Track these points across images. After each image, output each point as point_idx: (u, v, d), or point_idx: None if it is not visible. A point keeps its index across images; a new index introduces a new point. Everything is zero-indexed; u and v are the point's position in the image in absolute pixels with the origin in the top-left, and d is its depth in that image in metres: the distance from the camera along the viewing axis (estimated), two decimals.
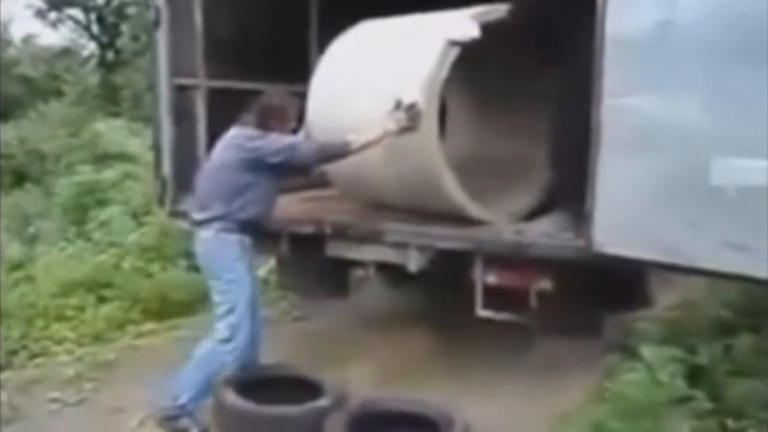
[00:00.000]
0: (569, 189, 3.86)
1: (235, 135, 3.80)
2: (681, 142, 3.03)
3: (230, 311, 3.70)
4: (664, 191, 3.09)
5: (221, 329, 3.71)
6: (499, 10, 3.98)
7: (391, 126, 3.72)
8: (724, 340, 3.52)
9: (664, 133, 3.07)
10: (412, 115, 3.73)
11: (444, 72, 3.85)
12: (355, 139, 3.71)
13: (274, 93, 4.02)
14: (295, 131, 3.99)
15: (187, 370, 3.74)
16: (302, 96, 4.30)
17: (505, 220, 4.14)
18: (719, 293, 3.94)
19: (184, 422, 3.71)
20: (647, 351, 3.16)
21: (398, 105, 3.74)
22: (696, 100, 2.98)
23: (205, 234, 3.73)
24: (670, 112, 3.04)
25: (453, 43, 3.84)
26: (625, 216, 3.24)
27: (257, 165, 3.67)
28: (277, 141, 3.70)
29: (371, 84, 4.13)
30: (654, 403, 3.04)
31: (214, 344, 3.73)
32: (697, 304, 4.02)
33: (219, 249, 3.71)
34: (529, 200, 4.49)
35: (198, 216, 3.78)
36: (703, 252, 2.99)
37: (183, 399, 3.70)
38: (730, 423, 3.12)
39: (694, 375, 3.30)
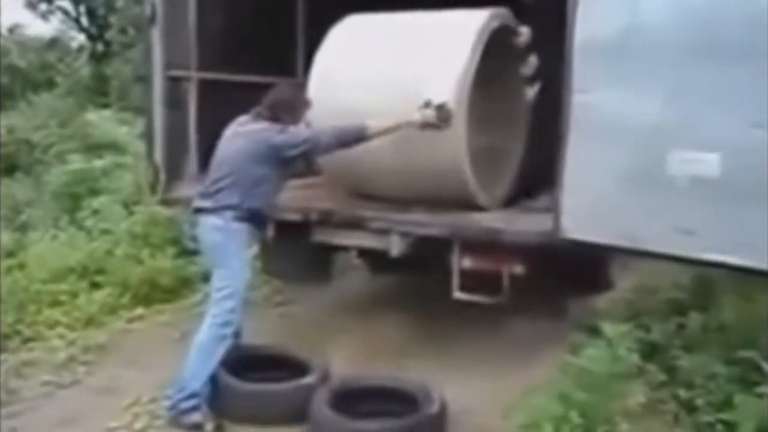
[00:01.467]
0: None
1: (254, 128, 3.77)
2: (640, 135, 3.22)
3: (230, 296, 3.71)
4: (624, 181, 3.27)
5: (220, 314, 3.70)
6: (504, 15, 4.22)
7: (417, 119, 3.81)
8: (677, 319, 3.68)
9: (625, 127, 3.25)
10: (442, 114, 3.84)
11: (474, 67, 3.98)
12: (374, 125, 3.78)
13: (285, 87, 4.07)
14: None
15: (192, 359, 3.67)
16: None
17: (495, 206, 4.31)
18: (672, 276, 4.08)
19: (196, 417, 3.60)
20: (607, 329, 3.29)
21: (428, 104, 3.83)
22: (655, 97, 3.18)
23: (214, 221, 3.72)
24: (632, 108, 3.23)
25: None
26: (589, 204, 3.40)
27: (275, 158, 3.71)
28: (296, 134, 3.75)
29: (383, 78, 4.17)
30: (613, 376, 3.18)
31: (215, 329, 3.68)
32: (652, 286, 4.15)
33: (228, 237, 3.72)
34: (508, 188, 4.61)
35: (206, 203, 3.77)
36: (657, 237, 3.18)
37: (195, 386, 3.62)
38: (681, 393, 3.29)
39: (650, 350, 3.48)
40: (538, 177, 4.31)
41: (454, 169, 4.04)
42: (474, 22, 4.13)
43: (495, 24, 4.17)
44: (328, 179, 4.70)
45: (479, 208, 4.21)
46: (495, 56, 4.16)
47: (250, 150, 3.72)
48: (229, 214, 3.70)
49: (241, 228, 3.73)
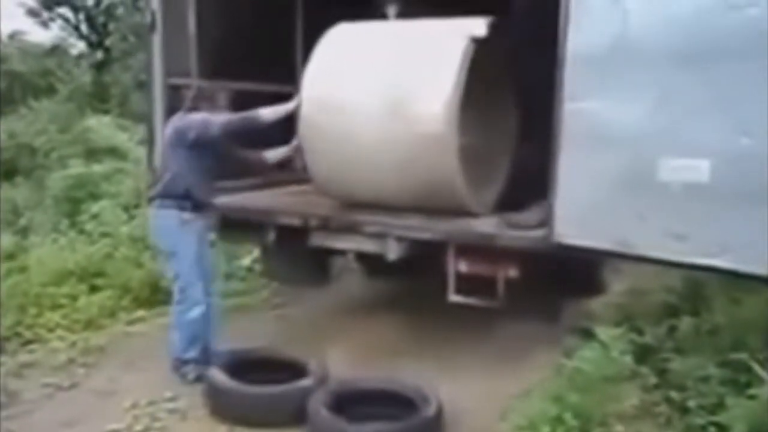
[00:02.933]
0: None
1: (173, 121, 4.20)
2: (632, 142, 3.24)
3: (177, 276, 4.19)
4: (616, 187, 3.29)
5: (176, 293, 4.23)
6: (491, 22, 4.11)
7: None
8: (669, 322, 3.69)
9: (617, 134, 3.27)
10: None
11: (464, 77, 3.95)
12: (267, 111, 4.07)
13: (208, 85, 4.44)
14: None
15: (173, 334, 4.26)
16: (287, 97, 4.40)
17: (486, 212, 4.28)
18: (664, 280, 4.10)
19: (186, 369, 4.19)
20: (601, 332, 3.32)
21: None
22: (645, 104, 3.20)
23: (151, 212, 4.24)
24: (623, 115, 3.24)
25: (474, 40, 3.99)
26: (581, 209, 3.42)
27: (179, 142, 4.04)
28: (192, 118, 4.07)
29: (374, 84, 4.17)
30: (606, 378, 3.21)
31: (176, 307, 4.25)
32: (644, 290, 4.16)
33: (160, 224, 4.18)
34: (496, 193, 4.60)
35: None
36: (649, 242, 3.20)
37: (178, 353, 4.21)
38: (674, 395, 3.30)
39: (642, 353, 3.49)
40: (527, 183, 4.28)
41: (447, 179, 4.02)
42: (461, 32, 4.08)
43: (482, 33, 4.07)
44: (318, 188, 4.62)
45: (471, 214, 4.20)
46: (482, 62, 4.17)
47: (164, 141, 4.22)
48: (157, 202, 4.15)
49: (170, 214, 4.09)
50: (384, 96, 4.08)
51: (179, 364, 4.23)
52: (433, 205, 4.16)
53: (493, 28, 4.05)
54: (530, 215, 4.01)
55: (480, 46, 4.05)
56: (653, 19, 3.17)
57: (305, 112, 4.27)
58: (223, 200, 4.85)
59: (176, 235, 4.10)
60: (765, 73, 2.88)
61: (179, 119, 4.14)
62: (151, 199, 4.22)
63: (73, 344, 4.77)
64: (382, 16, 4.84)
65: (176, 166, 4.06)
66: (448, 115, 3.93)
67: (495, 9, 4.15)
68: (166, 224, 4.12)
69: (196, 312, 4.16)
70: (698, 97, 3.06)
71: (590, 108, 3.33)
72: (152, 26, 4.75)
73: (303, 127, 4.30)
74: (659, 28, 3.15)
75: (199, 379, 4.08)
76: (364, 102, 4.14)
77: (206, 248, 4.29)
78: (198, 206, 4.14)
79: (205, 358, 4.19)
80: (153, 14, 4.73)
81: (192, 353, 4.20)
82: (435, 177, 4.04)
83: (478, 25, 4.05)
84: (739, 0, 2.92)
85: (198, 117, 4.07)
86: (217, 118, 4.04)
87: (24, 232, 6.87)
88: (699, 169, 3.06)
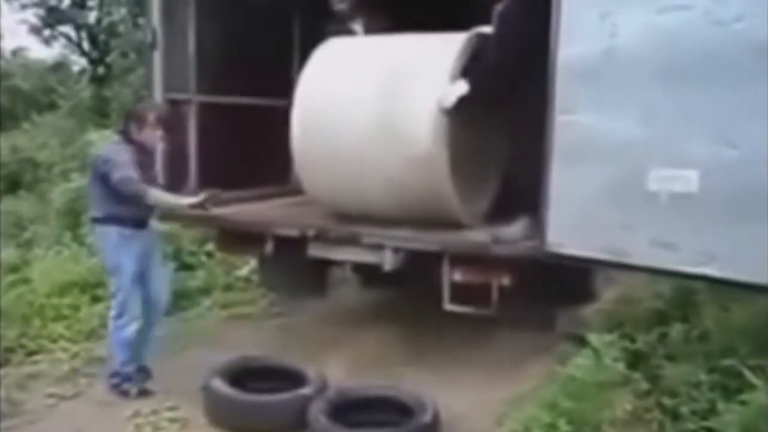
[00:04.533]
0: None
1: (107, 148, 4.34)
2: (621, 153, 3.23)
3: (116, 291, 4.20)
4: (606, 197, 3.29)
5: (114, 307, 4.23)
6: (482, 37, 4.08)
7: (191, 201, 4.25)
8: (660, 329, 3.69)
9: (606, 145, 3.27)
10: (210, 202, 4.23)
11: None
12: (155, 195, 4.09)
13: (141, 105, 4.48)
14: (163, 137, 4.35)
15: (110, 346, 4.32)
16: (283, 112, 4.41)
17: (477, 223, 4.25)
18: (655, 287, 4.09)
19: (125, 386, 4.16)
20: (593, 339, 3.34)
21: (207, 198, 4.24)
22: (634, 116, 3.19)
23: (95, 229, 4.38)
24: (612, 127, 3.25)
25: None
26: (573, 219, 3.42)
27: (97, 170, 4.13)
28: (113, 158, 4.06)
29: (365, 101, 4.13)
30: (599, 384, 3.22)
31: (112, 321, 4.23)
32: (635, 297, 4.15)
33: (102, 240, 4.28)
34: (486, 204, 4.56)
35: None
36: (639, 251, 3.20)
37: (115, 367, 4.22)
38: (665, 401, 3.28)
39: (634, 359, 3.48)
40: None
41: (438, 195, 4.01)
42: (451, 48, 4.05)
43: (472, 47, 4.07)
44: (313, 199, 4.61)
45: (463, 226, 4.16)
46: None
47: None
48: (95, 223, 4.28)
49: (108, 231, 4.16)
50: (375, 113, 4.06)
51: (119, 380, 4.19)
52: (424, 218, 4.15)
53: (484, 40, 4.04)
54: (515, 229, 4.01)
55: (471, 59, 4.03)
56: (641, 34, 3.17)
57: (297, 130, 4.26)
58: (220, 211, 4.86)
59: (116, 252, 4.13)
60: (750, 88, 2.88)
61: (112, 150, 4.20)
62: (92, 219, 4.31)
63: (76, 355, 4.75)
64: (349, 32, 4.87)
65: (104, 190, 4.10)
66: (437, 133, 3.91)
67: (468, 24, 4.13)
68: (108, 241, 4.17)
69: (133, 327, 4.17)
70: (686, 109, 3.07)
71: (581, 120, 3.33)
72: (153, 44, 4.76)
73: (295, 143, 4.30)
74: (647, 42, 3.16)
75: (142, 393, 4.12)
76: (355, 118, 4.12)
77: (152, 265, 4.30)
78: (138, 224, 4.17)
79: (145, 374, 4.25)
80: (154, 32, 4.75)
81: (130, 368, 4.20)
82: (426, 193, 4.03)
83: (468, 39, 4.03)
84: (724, 15, 2.93)
85: (119, 159, 4.04)
86: (122, 172, 3.99)
87: (27, 244, 6.87)
88: (687, 180, 3.06)
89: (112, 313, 4.22)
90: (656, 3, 3.10)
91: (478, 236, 4.04)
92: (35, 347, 4.85)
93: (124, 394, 4.14)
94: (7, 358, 4.63)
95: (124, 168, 4.00)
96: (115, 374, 4.22)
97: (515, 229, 4.03)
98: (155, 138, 4.25)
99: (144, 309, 4.24)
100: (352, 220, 4.41)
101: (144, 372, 4.28)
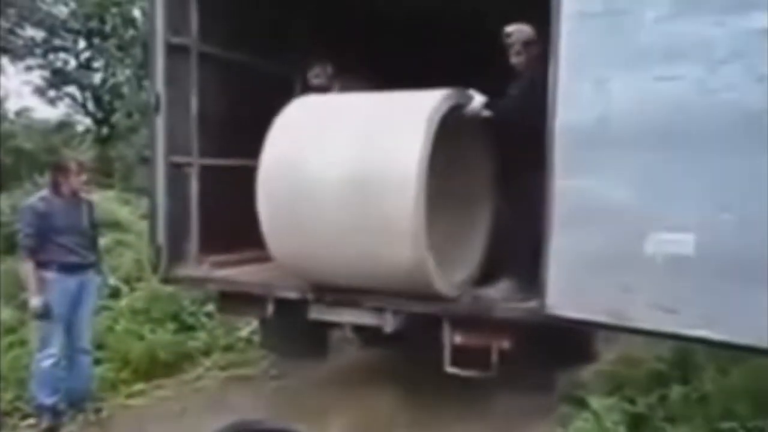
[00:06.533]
0: (517, 257, 4.09)
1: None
2: (618, 216, 3.31)
3: (39, 327, 4.58)
4: (605, 259, 3.34)
5: (36, 341, 4.61)
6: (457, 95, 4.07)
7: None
8: (660, 390, 3.69)
9: (604, 209, 3.34)
10: None
11: (428, 156, 3.74)
12: (24, 268, 4.55)
13: (65, 156, 4.82)
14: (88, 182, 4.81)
15: (32, 382, 4.61)
16: None
17: (458, 293, 4.15)
18: (655, 348, 4.11)
19: (42, 418, 4.50)
20: (594, 401, 3.35)
21: None
22: (630, 181, 3.28)
23: None
24: (609, 191, 3.32)
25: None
26: (572, 282, 3.46)
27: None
28: (21, 214, 4.64)
29: (336, 168, 3.93)
30: None
31: (34, 354, 4.59)
32: (635, 358, 4.16)
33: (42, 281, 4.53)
34: (468, 274, 4.47)
35: None
36: (638, 313, 3.23)
37: (35, 401, 4.55)
38: None
39: (635, 422, 3.47)
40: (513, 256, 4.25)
41: (416, 265, 3.81)
42: (425, 107, 3.84)
43: (447, 106, 3.93)
44: (281, 267, 4.44)
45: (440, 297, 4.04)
46: (453, 136, 4.07)
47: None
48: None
49: (43, 276, 4.49)
50: (346, 176, 3.87)
51: (39, 410, 4.50)
52: (399, 290, 4.02)
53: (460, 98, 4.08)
54: (495, 292, 4.06)
55: (449, 116, 3.93)
56: (634, 102, 3.28)
57: (261, 194, 4.12)
58: (222, 273, 4.92)
59: (47, 292, 4.44)
60: (742, 154, 2.98)
61: (25, 206, 4.62)
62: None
63: (73, 418, 4.66)
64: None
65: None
66: (415, 207, 3.69)
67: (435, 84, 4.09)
68: (44, 282, 4.46)
69: (49, 362, 4.46)
70: (680, 174, 3.15)
71: (579, 184, 3.41)
72: (156, 107, 4.83)
73: (260, 208, 4.15)
74: (640, 110, 3.26)
75: (51, 430, 4.44)
76: (324, 181, 3.93)
77: (80, 307, 4.62)
78: (63, 267, 4.49)
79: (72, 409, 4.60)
80: (157, 96, 4.83)
81: (45, 400, 4.48)
82: (402, 267, 3.83)
83: (442, 97, 3.90)
84: (715, 84, 3.04)
85: (23, 216, 4.53)
86: (25, 233, 4.46)
87: (25, 305, 6.80)
88: (683, 243, 3.12)
89: (36, 346, 4.60)
90: (650, 72, 3.22)
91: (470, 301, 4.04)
92: (31, 411, 4.71)
93: (39, 424, 4.47)
94: (2, 422, 4.58)
95: (24, 225, 4.50)
96: (37, 405, 4.54)
97: (497, 291, 4.09)
98: (80, 185, 4.62)
99: (69, 348, 4.59)
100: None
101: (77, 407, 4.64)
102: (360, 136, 3.98)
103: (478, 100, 4.17)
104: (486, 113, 4.20)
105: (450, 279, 4.15)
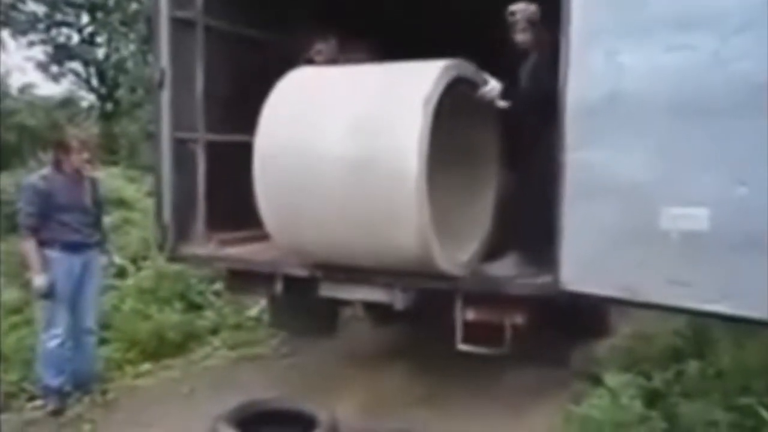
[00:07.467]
0: (523, 231, 4.10)
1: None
2: (631, 191, 3.29)
3: (44, 308, 4.60)
4: (619, 235, 3.33)
5: (41, 321, 4.63)
6: (461, 67, 4.00)
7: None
8: (676, 366, 3.70)
9: (618, 184, 3.32)
10: None
11: (428, 131, 3.66)
12: (25, 246, 4.56)
13: (66, 133, 4.86)
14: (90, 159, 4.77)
15: (37, 363, 4.66)
16: None
17: (463, 272, 4.10)
18: (670, 323, 4.11)
19: (47, 400, 4.54)
20: (609, 378, 3.35)
21: None
22: (644, 155, 3.26)
23: None
24: (622, 165, 3.31)
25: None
26: (586, 257, 3.46)
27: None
28: (22, 191, 4.71)
29: (336, 139, 3.85)
30: (616, 424, 3.22)
31: (39, 335, 4.64)
32: (650, 333, 4.16)
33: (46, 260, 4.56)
34: (473, 252, 4.39)
35: None
36: (653, 288, 3.24)
37: (41, 383, 4.60)
38: None
39: (651, 398, 3.48)
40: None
41: (420, 246, 3.75)
42: (425, 81, 3.75)
43: (448, 79, 3.83)
44: (277, 244, 4.39)
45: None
46: (455, 110, 4.01)
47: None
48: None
49: (46, 254, 4.53)
50: (347, 148, 3.79)
51: (44, 392, 4.56)
52: (401, 268, 3.97)
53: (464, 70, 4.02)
54: (502, 267, 4.06)
55: (452, 88, 3.87)
56: (646, 73, 3.25)
57: (258, 166, 4.08)
58: (230, 252, 4.93)
59: (51, 272, 4.49)
60: (757, 126, 2.95)
61: (26, 183, 4.69)
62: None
63: (80, 399, 4.71)
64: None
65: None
66: (416, 188, 3.62)
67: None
68: (47, 261, 4.51)
69: (54, 342, 4.52)
70: (694, 147, 3.13)
71: (591, 158, 3.40)
72: (161, 83, 4.84)
73: (256, 181, 4.10)
74: (652, 81, 3.24)
75: (56, 413, 4.46)
76: (324, 155, 3.85)
77: (84, 287, 4.66)
78: (66, 246, 4.52)
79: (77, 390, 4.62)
80: (162, 71, 4.82)
81: (51, 381, 4.54)
82: (405, 247, 3.77)
83: (438, 68, 3.82)
84: (728, 54, 3.01)
85: (27, 197, 4.54)
86: (26, 212, 4.52)
87: (29, 285, 6.84)
88: (698, 218, 3.11)
89: (40, 327, 4.66)
90: (661, 42, 3.19)
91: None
92: (37, 392, 4.77)
93: (45, 406, 4.52)
94: (8, 404, 4.60)
95: (25, 204, 4.56)
96: (43, 386, 4.59)
97: (504, 266, 4.09)
98: (82, 162, 4.61)
99: (75, 328, 4.64)
100: None
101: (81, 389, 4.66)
102: (358, 115, 3.87)
103: (494, 86, 4.08)
104: (503, 104, 4.14)
105: (455, 258, 4.12)
